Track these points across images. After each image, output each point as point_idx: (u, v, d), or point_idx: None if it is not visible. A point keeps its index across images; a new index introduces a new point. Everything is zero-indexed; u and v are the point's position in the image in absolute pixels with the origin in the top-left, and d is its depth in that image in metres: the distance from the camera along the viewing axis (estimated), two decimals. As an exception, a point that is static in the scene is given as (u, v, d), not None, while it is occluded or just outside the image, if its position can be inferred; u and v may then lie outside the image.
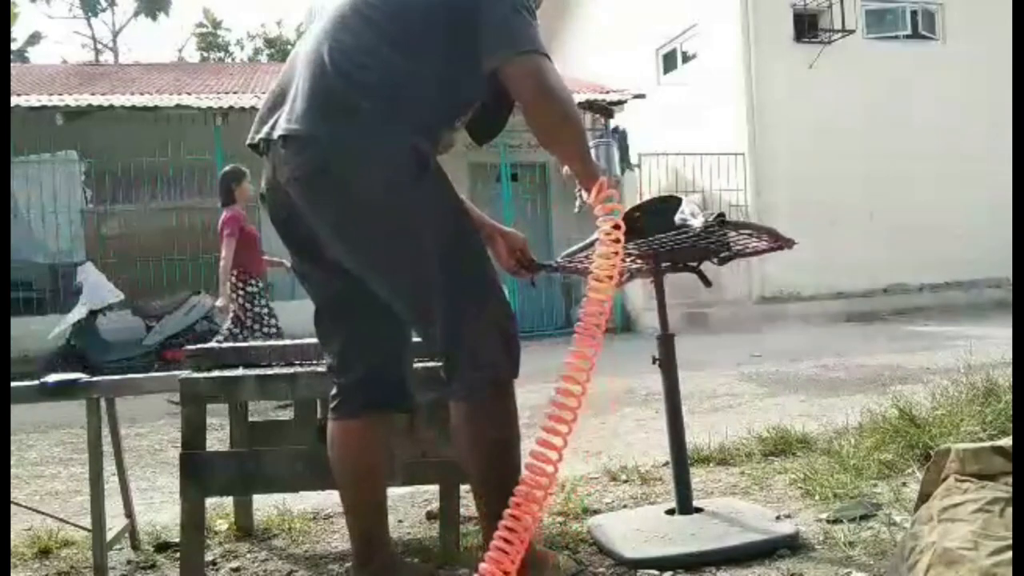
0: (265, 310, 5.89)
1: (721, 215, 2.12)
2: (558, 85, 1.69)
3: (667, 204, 2.29)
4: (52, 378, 2.30)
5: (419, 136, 1.71)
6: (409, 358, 1.93)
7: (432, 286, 1.72)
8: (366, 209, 1.68)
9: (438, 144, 1.82)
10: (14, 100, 9.23)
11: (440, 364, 1.81)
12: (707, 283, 2.51)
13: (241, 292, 5.84)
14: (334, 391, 1.88)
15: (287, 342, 2.51)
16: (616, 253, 1.67)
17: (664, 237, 2.20)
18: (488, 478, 1.77)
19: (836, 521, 2.33)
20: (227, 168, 6.03)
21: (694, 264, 2.47)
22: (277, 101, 1.76)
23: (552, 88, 1.68)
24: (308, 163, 1.67)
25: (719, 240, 2.27)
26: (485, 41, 1.68)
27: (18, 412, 2.69)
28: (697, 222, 2.14)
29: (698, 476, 2.91)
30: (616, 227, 1.68)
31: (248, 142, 1.83)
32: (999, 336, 6.37)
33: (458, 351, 1.74)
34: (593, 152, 1.98)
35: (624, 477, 3.06)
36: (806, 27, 11.75)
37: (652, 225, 2.23)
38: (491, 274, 1.82)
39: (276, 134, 1.71)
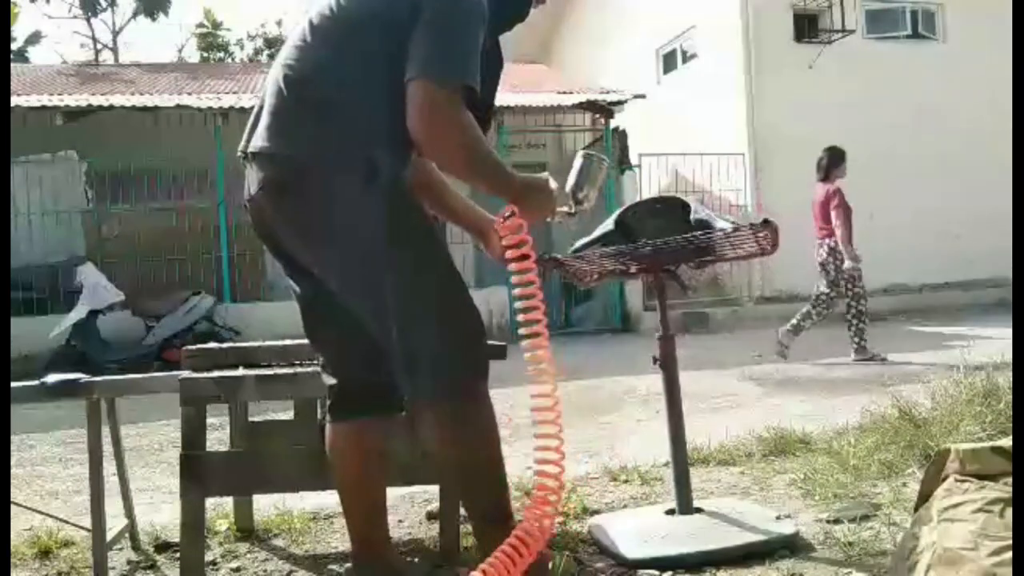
0: (858, 272, 6.52)
1: (766, 220, 2.12)
2: (445, 121, 1.65)
3: (665, 204, 2.30)
4: (52, 378, 2.30)
5: (378, 149, 1.71)
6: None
7: (385, 294, 1.72)
8: (321, 220, 1.72)
9: (407, 155, 1.81)
10: (14, 100, 9.22)
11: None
12: (684, 288, 2.52)
13: (839, 257, 6.47)
14: (327, 394, 1.89)
15: (287, 342, 2.50)
16: (533, 283, 1.72)
17: (695, 236, 2.18)
18: (462, 480, 1.78)
19: (836, 521, 2.33)
20: (831, 147, 6.84)
21: (672, 268, 2.46)
22: (255, 118, 1.83)
23: (434, 124, 1.65)
24: (270, 177, 1.74)
25: (707, 244, 2.27)
26: (409, 53, 1.66)
27: (18, 412, 2.69)
28: (724, 223, 2.14)
29: (698, 476, 2.91)
30: (524, 257, 1.73)
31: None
32: (999, 336, 6.37)
33: (418, 354, 1.73)
34: (578, 164, 1.95)
35: (624, 477, 3.06)
36: (806, 27, 11.75)
37: (651, 226, 2.22)
38: (457, 281, 1.80)
39: (249, 150, 1.78)
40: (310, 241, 1.77)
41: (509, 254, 1.76)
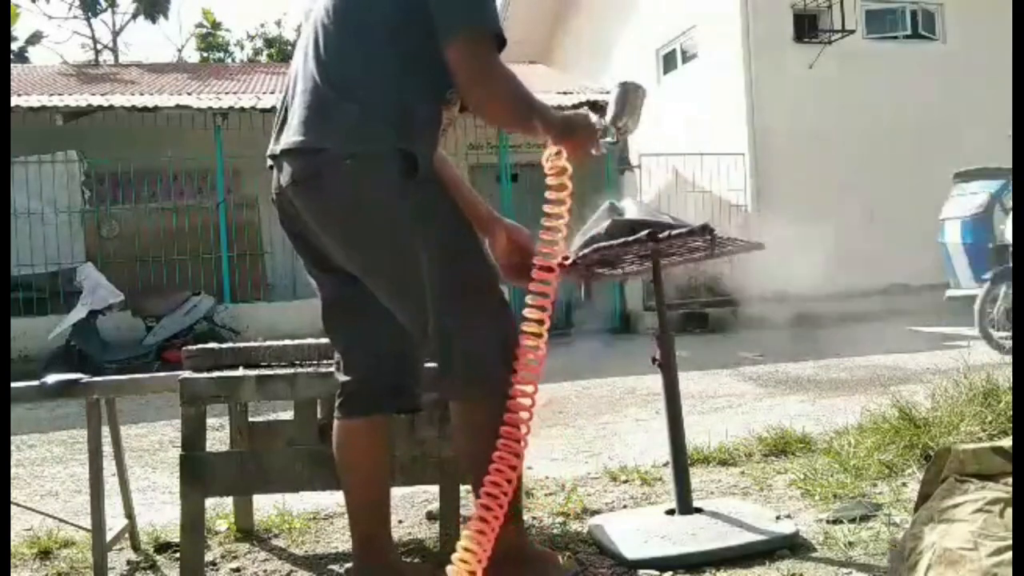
0: None
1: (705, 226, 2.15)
2: (492, 72, 1.67)
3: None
4: (52, 378, 2.30)
5: (408, 134, 1.71)
6: (416, 360, 1.92)
7: (421, 288, 1.73)
8: (354, 213, 1.72)
9: (434, 141, 1.81)
10: (14, 100, 9.23)
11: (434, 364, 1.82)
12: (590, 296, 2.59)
13: None
14: (339, 390, 1.89)
15: (287, 342, 2.50)
16: (558, 229, 1.73)
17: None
18: (478, 476, 1.77)
19: (836, 521, 2.33)
20: None
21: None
22: (281, 119, 1.83)
23: (479, 72, 1.67)
24: (302, 170, 1.73)
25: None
26: (435, 20, 1.67)
27: (18, 412, 2.69)
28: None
29: (698, 476, 2.91)
30: (561, 187, 1.74)
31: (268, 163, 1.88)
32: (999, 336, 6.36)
33: (451, 351, 1.74)
34: (615, 94, 1.96)
35: (624, 477, 3.06)
36: (806, 27, 11.74)
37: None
38: (487, 274, 1.81)
39: (279, 149, 1.77)
40: (342, 237, 1.76)
41: (549, 195, 1.77)
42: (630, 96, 1.96)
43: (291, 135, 1.75)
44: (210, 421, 2.26)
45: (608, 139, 1.93)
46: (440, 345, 1.75)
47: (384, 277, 1.77)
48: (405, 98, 1.71)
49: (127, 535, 2.51)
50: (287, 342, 2.50)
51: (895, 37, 12.28)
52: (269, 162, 1.84)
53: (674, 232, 2.20)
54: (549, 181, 1.78)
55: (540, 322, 1.70)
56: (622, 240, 2.21)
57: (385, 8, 1.72)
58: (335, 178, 1.70)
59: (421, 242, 1.73)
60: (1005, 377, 3.24)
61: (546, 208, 1.76)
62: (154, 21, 21.34)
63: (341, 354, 1.91)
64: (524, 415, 1.69)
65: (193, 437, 2.15)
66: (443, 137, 1.91)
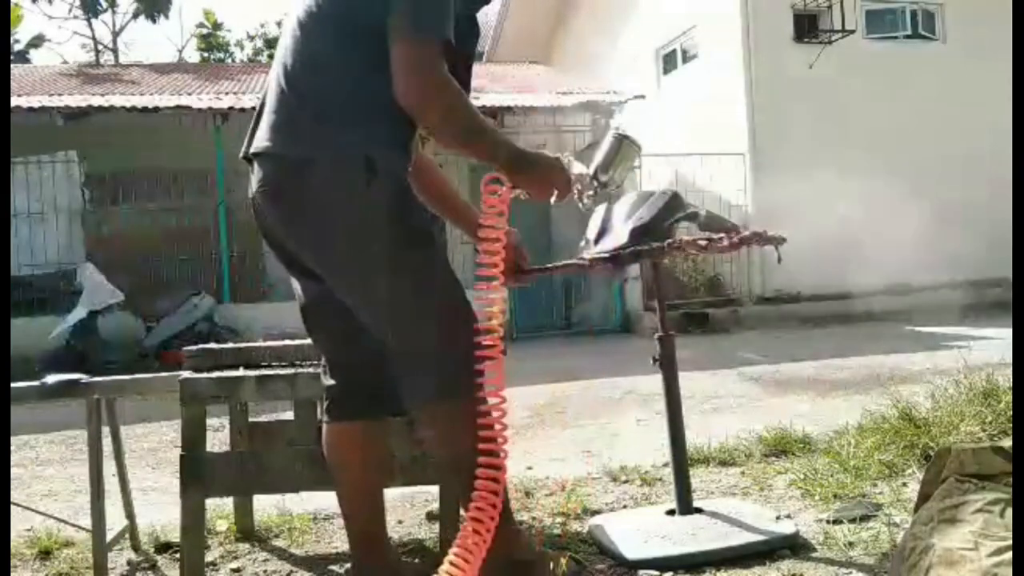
0: None
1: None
2: (426, 77, 1.62)
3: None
4: (52, 378, 2.30)
5: (377, 144, 1.70)
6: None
7: (383, 297, 1.71)
8: (317, 219, 1.70)
9: (407, 147, 1.79)
10: (14, 100, 9.23)
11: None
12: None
13: None
14: (325, 393, 1.89)
15: (287, 342, 2.50)
16: (497, 255, 1.68)
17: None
18: (459, 481, 1.77)
19: (836, 521, 2.33)
20: None
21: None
22: (256, 120, 1.82)
23: (415, 82, 1.62)
24: (268, 176, 1.73)
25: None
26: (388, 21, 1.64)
27: (18, 412, 2.69)
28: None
29: (698, 476, 2.91)
30: (494, 223, 1.68)
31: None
32: (999, 336, 6.38)
33: (413, 358, 1.72)
34: (607, 144, 1.87)
35: (624, 477, 3.06)
36: (806, 27, 11.74)
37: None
38: (448, 281, 1.77)
39: (251, 152, 1.77)
40: (307, 242, 1.75)
41: (482, 231, 1.71)
42: (624, 150, 1.85)
43: (260, 139, 1.75)
44: (210, 421, 2.26)
45: (589, 192, 1.80)
46: (403, 350, 1.72)
47: (347, 284, 1.75)
48: (375, 102, 1.68)
49: (127, 535, 2.51)
50: (287, 342, 2.49)
51: (895, 37, 12.28)
52: (241, 155, 1.83)
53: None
54: (483, 214, 1.71)
55: (492, 332, 1.68)
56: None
57: (366, 12, 1.70)
58: (298, 185, 1.69)
59: (386, 250, 1.69)
60: (1005, 377, 3.24)
61: (481, 245, 1.71)
62: (154, 21, 21.34)
63: (326, 358, 1.90)
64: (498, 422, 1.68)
65: (193, 437, 2.15)
66: (423, 144, 1.89)
